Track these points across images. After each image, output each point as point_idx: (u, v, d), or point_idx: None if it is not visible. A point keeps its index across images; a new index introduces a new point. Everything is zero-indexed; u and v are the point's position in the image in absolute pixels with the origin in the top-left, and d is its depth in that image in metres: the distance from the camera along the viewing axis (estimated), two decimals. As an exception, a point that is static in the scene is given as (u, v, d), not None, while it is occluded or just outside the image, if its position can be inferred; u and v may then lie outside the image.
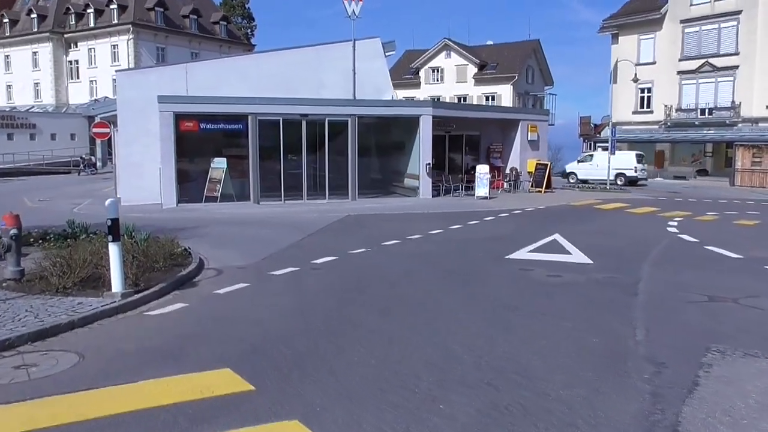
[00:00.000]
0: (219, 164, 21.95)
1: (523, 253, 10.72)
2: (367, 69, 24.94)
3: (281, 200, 21.63)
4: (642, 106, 41.44)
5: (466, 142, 27.20)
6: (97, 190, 29.11)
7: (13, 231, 8.25)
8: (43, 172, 42.46)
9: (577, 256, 10.44)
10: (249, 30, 74.72)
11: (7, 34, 59.79)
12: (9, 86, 60.98)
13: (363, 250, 11.27)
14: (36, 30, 58.24)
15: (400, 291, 8.08)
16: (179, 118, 20.77)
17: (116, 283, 7.31)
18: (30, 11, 59.08)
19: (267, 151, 21.62)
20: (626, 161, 32.23)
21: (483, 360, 5.17)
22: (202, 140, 22.58)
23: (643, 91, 40.67)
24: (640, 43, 40.88)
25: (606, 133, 43.81)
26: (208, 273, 9.40)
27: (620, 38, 41.92)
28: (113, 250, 7.29)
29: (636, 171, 31.54)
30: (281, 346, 5.62)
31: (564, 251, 10.99)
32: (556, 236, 12.60)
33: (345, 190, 22.26)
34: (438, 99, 47.06)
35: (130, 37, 54.65)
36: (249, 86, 22.04)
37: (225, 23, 63.82)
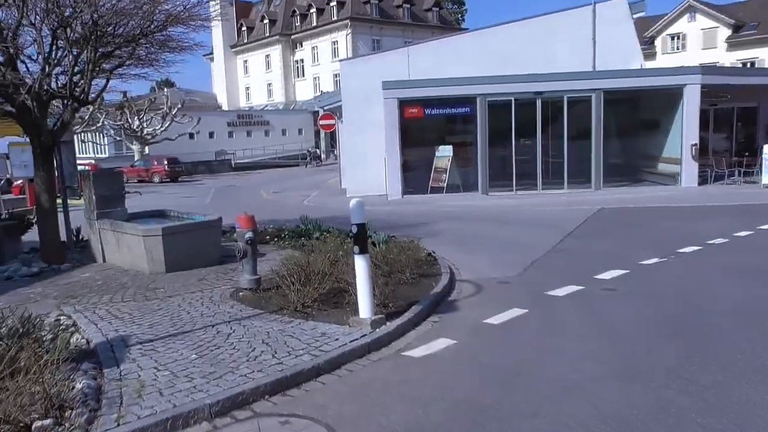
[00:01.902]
0: (444, 152, 20.39)
1: None
2: (610, 35, 21.38)
3: (512, 190, 19.32)
4: None
5: (737, 116, 22.13)
6: (323, 182, 29.67)
7: (249, 234, 7.14)
8: (276, 165, 45.48)
9: None
10: (459, 15, 73.26)
11: (245, 41, 65.79)
12: (248, 88, 67.16)
13: (657, 260, 8.47)
14: (268, 34, 63.12)
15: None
16: (403, 104, 19.56)
17: (364, 309, 5.66)
18: (263, 17, 64.24)
19: (496, 136, 19.46)
20: None
21: None
22: (426, 127, 21.24)
23: None
24: None
25: None
26: (464, 288, 7.46)
27: None
28: (360, 266, 5.64)
29: None
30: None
31: None
32: None
33: (585, 177, 19.17)
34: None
35: (348, 32, 56.39)
36: (473, 66, 19.95)
37: (437, 9, 63.00)
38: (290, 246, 10.38)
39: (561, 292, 6.96)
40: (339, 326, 5.67)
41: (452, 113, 20.52)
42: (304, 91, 60.69)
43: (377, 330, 5.54)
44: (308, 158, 45.76)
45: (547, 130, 19.33)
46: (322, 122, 23.33)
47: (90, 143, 44.40)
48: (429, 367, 4.88)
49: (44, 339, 4.91)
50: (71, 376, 4.50)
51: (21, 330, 4.89)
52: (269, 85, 64.40)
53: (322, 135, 51.10)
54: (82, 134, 38.61)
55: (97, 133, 42.37)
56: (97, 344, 5.39)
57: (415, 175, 20.56)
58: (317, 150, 48.76)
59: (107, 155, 44.31)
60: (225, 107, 63.29)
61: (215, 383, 4.38)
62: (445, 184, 19.97)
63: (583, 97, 18.77)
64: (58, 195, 10.64)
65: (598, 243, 10.22)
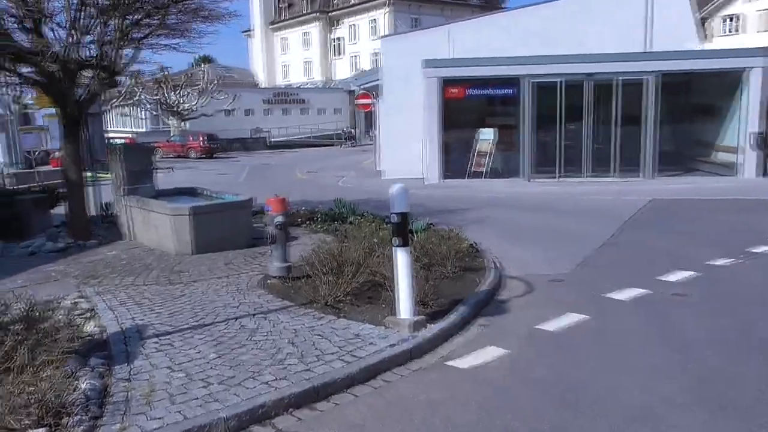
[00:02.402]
0: (487, 135, 19.54)
1: None
2: (665, 15, 20.10)
3: (556, 177, 18.44)
4: None
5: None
6: (358, 163, 29.09)
7: (279, 219, 6.59)
8: (311, 144, 45.05)
9: None
10: (503, -6, 71.12)
11: (284, 17, 65.22)
12: (285, 66, 66.72)
13: (727, 261, 7.62)
14: (306, 11, 62.40)
15: None
16: (445, 84, 18.79)
17: (404, 308, 5.06)
18: (302, -6, 63.48)
19: (541, 120, 18.56)
20: None
21: None
22: (468, 109, 20.40)
23: None
24: None
25: None
26: (513, 286, 6.79)
27: None
28: (401, 261, 5.02)
29: None
30: None
31: None
32: None
33: (635, 166, 18.13)
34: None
35: (388, 9, 55.29)
36: (518, 46, 18.93)
37: (479, -12, 61.27)
38: (323, 230, 9.86)
39: (622, 295, 6.22)
40: (374, 327, 5.08)
41: (495, 94, 19.66)
42: (342, 70, 59.97)
43: (418, 333, 4.93)
44: (344, 138, 45.16)
45: (595, 114, 18.33)
46: (359, 101, 22.69)
47: (129, 117, 44.66)
48: (479, 382, 4.25)
49: (55, 327, 4.42)
50: (75, 373, 4.03)
51: (26, 319, 4.43)
52: (307, 63, 63.84)
53: (359, 115, 50.43)
54: (122, 108, 38.77)
55: (136, 108, 42.51)
56: (110, 335, 4.93)
57: (455, 159, 19.82)
58: (353, 130, 48.12)
59: (145, 129, 44.50)
60: (262, 85, 63.00)
61: (234, 391, 3.84)
62: (487, 169, 19.18)
63: (636, 80, 17.67)
64: (86, 168, 10.30)
65: (655, 238, 9.38)
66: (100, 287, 6.63)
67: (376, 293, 5.98)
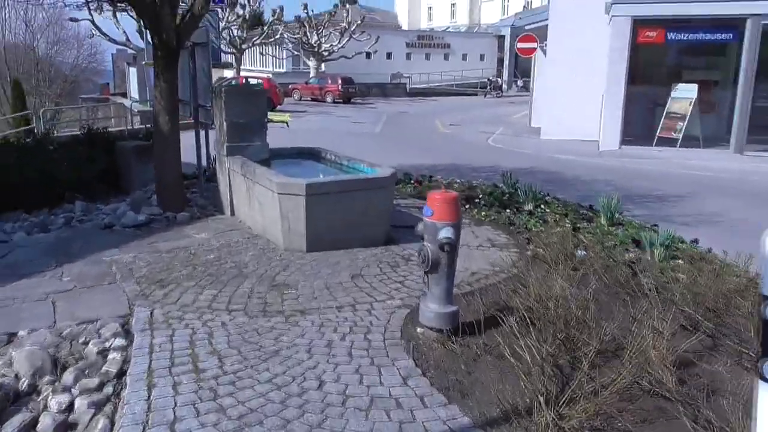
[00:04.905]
0: (685, 93, 15.38)
1: None
2: None
3: (781, 152, 14.19)
4: None
5: None
6: (505, 116, 25.64)
7: (447, 233, 3.73)
8: (453, 93, 41.59)
9: None
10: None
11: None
12: (430, 8, 62.78)
13: None
14: (457, -53, 57.68)
15: None
16: (638, 25, 14.87)
17: None
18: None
19: (764, 75, 14.25)
20: None
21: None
22: (663, 58, 16.42)
23: None
24: None
25: None
26: None
27: None
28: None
29: None
30: None
31: None
32: None
33: None
34: None
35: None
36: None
37: None
38: (489, 220, 6.99)
39: None
40: None
41: (704, 40, 15.34)
42: (490, 13, 55.07)
43: None
44: (488, 87, 41.18)
45: None
46: (520, 45, 19.04)
47: (269, 57, 43.73)
48: None
49: None
50: None
51: None
52: (453, 5, 59.50)
53: (505, 63, 45.88)
54: (261, 47, 37.66)
55: (276, 47, 41.36)
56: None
57: (638, 120, 16.02)
58: (498, 79, 43.89)
59: (285, 70, 43.42)
60: (405, 27, 59.78)
61: None
62: (679, 135, 15.13)
63: None
64: (190, 115, 8.12)
65: None
66: (162, 310, 4.27)
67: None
